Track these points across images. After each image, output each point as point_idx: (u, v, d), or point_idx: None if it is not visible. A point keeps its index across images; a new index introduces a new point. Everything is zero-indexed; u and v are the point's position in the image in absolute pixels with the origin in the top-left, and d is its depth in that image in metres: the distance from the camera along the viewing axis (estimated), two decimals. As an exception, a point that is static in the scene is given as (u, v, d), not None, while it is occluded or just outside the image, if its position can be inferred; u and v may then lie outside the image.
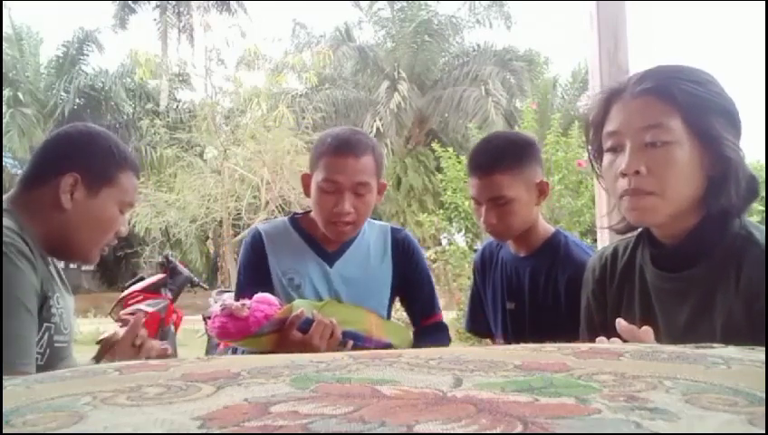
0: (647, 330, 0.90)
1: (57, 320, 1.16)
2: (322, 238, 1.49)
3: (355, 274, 1.48)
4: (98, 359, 1.26)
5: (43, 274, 1.13)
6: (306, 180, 1.47)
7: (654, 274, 1.05)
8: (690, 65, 1.02)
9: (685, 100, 0.95)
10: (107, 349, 1.26)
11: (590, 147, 1.11)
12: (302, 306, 1.27)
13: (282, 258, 1.48)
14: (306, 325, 1.25)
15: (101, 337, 1.31)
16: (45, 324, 1.13)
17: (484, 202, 1.41)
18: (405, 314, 1.67)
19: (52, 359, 1.14)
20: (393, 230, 1.58)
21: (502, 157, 1.40)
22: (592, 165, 1.13)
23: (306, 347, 1.21)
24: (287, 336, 1.23)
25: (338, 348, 1.26)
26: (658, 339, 0.94)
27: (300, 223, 1.54)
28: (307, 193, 1.47)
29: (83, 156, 1.20)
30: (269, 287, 1.40)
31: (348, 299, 1.45)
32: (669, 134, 0.95)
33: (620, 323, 0.93)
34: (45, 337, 1.13)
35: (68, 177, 1.16)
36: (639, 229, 1.10)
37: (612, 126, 1.01)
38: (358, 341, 1.31)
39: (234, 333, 1.21)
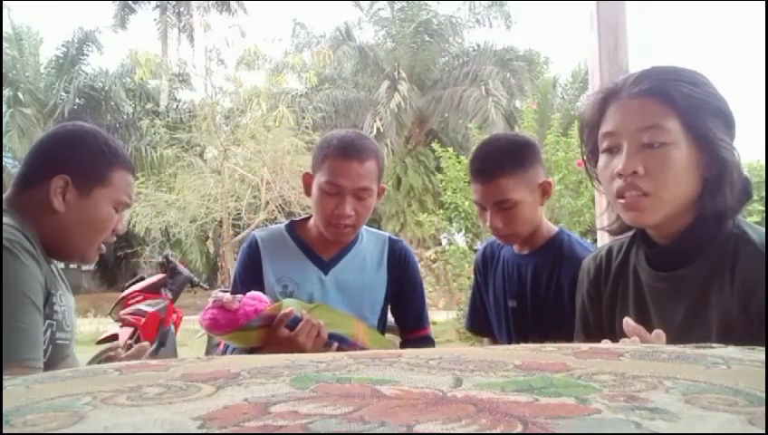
0: (659, 334, 0.88)
1: (60, 317, 1.16)
2: (319, 245, 1.50)
3: (350, 281, 1.49)
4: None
5: (45, 271, 1.14)
6: (308, 180, 1.48)
7: (648, 273, 1.06)
8: (685, 66, 1.02)
9: (682, 101, 0.95)
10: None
11: (584, 147, 1.11)
12: (291, 305, 1.29)
13: (277, 265, 1.49)
14: (294, 324, 1.26)
15: (102, 337, 1.32)
16: (48, 321, 1.13)
17: (488, 207, 1.41)
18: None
19: (54, 356, 1.14)
20: (391, 240, 1.58)
21: (504, 160, 1.40)
22: (586, 166, 1.13)
23: (292, 345, 1.22)
24: (275, 333, 1.25)
25: (323, 349, 1.27)
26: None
27: (297, 230, 1.54)
28: (308, 193, 1.48)
29: (73, 157, 1.19)
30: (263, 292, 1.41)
31: (342, 306, 1.45)
32: (667, 135, 0.95)
33: (628, 322, 0.92)
34: (48, 333, 1.13)
35: (58, 179, 1.16)
36: (634, 230, 1.10)
37: (609, 127, 1.01)
38: (344, 343, 1.32)
39: (223, 325, 1.23)
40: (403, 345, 1.57)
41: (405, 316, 1.58)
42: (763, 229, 1.01)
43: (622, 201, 0.99)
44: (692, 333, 0.94)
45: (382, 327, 1.55)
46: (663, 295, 1.03)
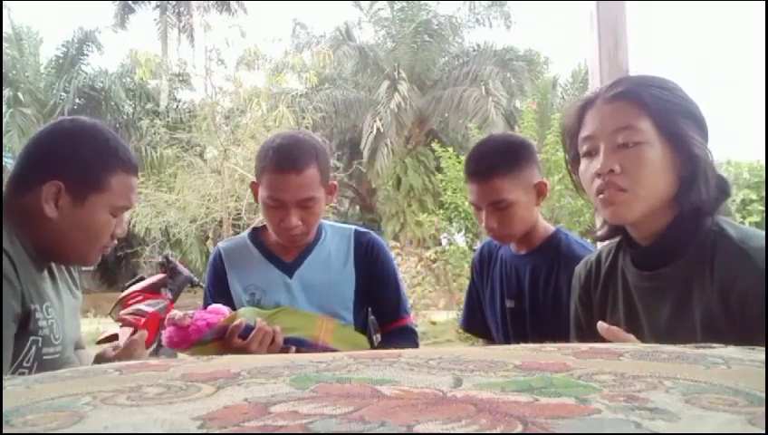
0: (629, 336, 0.95)
1: (46, 332, 1.10)
2: (280, 249, 1.50)
3: (316, 280, 1.48)
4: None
5: (26, 286, 1.07)
6: (255, 188, 1.47)
7: (634, 273, 1.09)
8: (657, 75, 1.08)
9: (653, 103, 1.01)
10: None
11: (566, 155, 1.16)
12: (245, 314, 1.31)
13: (242, 274, 1.49)
14: (247, 333, 1.27)
15: (101, 337, 1.31)
16: (32, 338, 1.07)
17: (483, 207, 1.42)
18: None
19: (42, 371, 1.10)
20: (357, 233, 1.56)
21: (498, 161, 1.41)
22: (569, 174, 1.17)
23: (247, 354, 1.23)
24: (228, 344, 1.26)
25: (281, 354, 1.28)
26: (642, 337, 0.99)
27: (259, 236, 1.54)
28: (257, 200, 1.47)
29: (67, 161, 1.11)
30: (231, 305, 1.42)
31: (310, 307, 1.45)
32: (640, 135, 1.00)
33: (602, 325, 0.98)
34: (32, 350, 1.07)
35: (50, 185, 1.09)
36: (620, 235, 1.14)
37: (587, 131, 1.06)
38: (302, 346, 1.33)
39: (178, 342, 1.26)
40: (383, 338, 1.56)
41: (380, 308, 1.57)
42: (745, 226, 1.05)
43: (601, 198, 1.03)
44: (678, 331, 0.98)
45: (362, 323, 1.54)
46: (649, 294, 1.07)
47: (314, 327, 1.40)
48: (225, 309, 1.33)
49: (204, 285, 1.59)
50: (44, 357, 1.10)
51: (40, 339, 1.09)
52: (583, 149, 1.07)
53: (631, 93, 1.03)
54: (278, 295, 1.46)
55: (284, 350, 1.30)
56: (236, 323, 1.28)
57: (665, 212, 1.04)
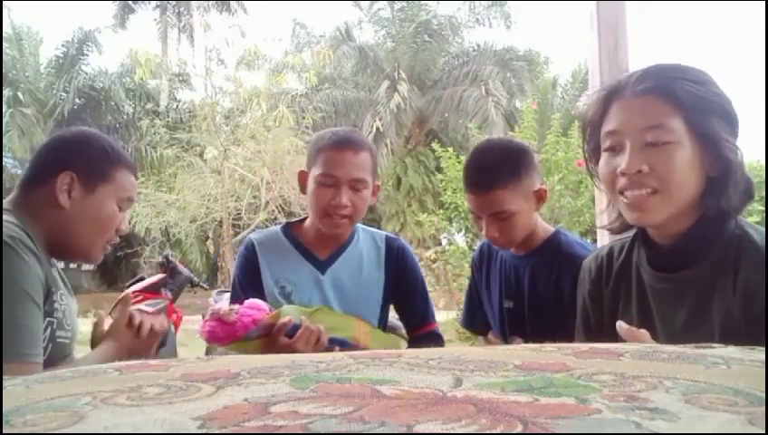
0: (645, 332, 0.91)
1: (60, 315, 1.17)
2: (315, 246, 1.50)
3: (347, 281, 1.49)
4: (93, 346, 1.27)
5: (46, 269, 1.15)
6: (303, 177, 1.49)
7: (650, 274, 1.05)
8: (689, 65, 1.01)
9: (687, 100, 0.95)
10: (102, 337, 1.27)
11: (585, 146, 1.10)
12: (290, 312, 1.30)
13: (274, 267, 1.49)
14: (293, 331, 1.27)
15: (96, 320, 1.33)
16: (48, 319, 1.13)
17: (484, 217, 1.41)
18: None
19: (55, 354, 1.14)
20: (388, 238, 1.58)
21: (498, 173, 1.37)
22: (587, 164, 1.12)
23: (292, 352, 1.22)
24: (275, 341, 1.26)
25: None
26: (656, 339, 0.94)
27: (293, 231, 1.55)
28: (303, 190, 1.49)
29: (78, 154, 1.22)
30: (262, 296, 1.42)
31: (339, 306, 1.46)
32: (671, 134, 0.94)
33: (621, 326, 0.93)
34: (48, 331, 1.14)
35: (64, 175, 1.18)
36: (635, 229, 1.10)
37: (612, 125, 1.00)
38: (345, 347, 1.31)
39: (222, 338, 1.24)
40: (411, 342, 1.56)
41: (409, 314, 1.58)
42: (764, 229, 1.00)
43: (625, 200, 0.98)
44: (694, 335, 0.93)
45: (383, 327, 1.55)
46: (665, 297, 1.02)
47: (353, 328, 1.40)
48: (264, 304, 1.31)
49: (206, 284, 1.59)
50: (58, 340, 1.16)
51: (55, 321, 1.16)
52: (606, 143, 1.01)
53: (663, 88, 0.95)
54: (309, 291, 1.46)
55: (329, 349, 1.29)
56: (284, 320, 1.27)
57: (688, 213, 0.99)
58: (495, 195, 1.37)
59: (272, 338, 1.26)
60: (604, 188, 1.06)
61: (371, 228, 1.63)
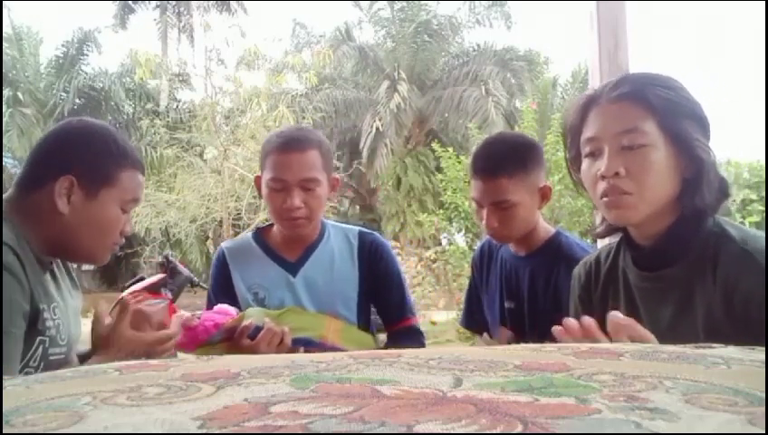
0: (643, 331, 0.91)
1: (53, 332, 1.11)
2: (284, 248, 1.51)
3: (319, 280, 1.49)
4: (93, 346, 1.17)
5: (34, 285, 1.07)
6: (258, 182, 1.49)
7: (635, 274, 1.09)
8: (661, 73, 1.07)
9: (659, 104, 1.00)
10: (105, 343, 1.15)
11: (567, 153, 1.15)
12: (254, 314, 1.32)
13: (245, 274, 1.50)
14: (256, 333, 1.28)
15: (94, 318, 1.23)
16: (39, 338, 1.07)
17: (486, 205, 1.41)
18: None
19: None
20: (361, 233, 1.57)
21: (507, 161, 1.40)
22: (569, 171, 1.16)
23: (255, 354, 1.23)
24: (237, 344, 1.27)
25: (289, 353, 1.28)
26: None
27: (262, 236, 1.55)
28: (261, 195, 1.49)
29: (79, 156, 1.13)
30: (235, 304, 1.43)
31: (313, 306, 1.45)
32: (645, 137, 0.99)
33: (616, 315, 0.93)
34: (39, 351, 1.08)
35: (63, 180, 1.10)
36: (620, 234, 1.13)
37: (590, 132, 1.05)
38: (311, 346, 1.33)
39: (186, 343, 1.26)
40: (389, 338, 1.56)
41: (385, 309, 1.57)
42: (745, 227, 1.05)
43: (605, 200, 1.02)
44: (680, 332, 0.97)
45: (365, 323, 1.54)
46: (650, 295, 1.06)
47: (322, 327, 1.40)
48: (231, 309, 1.33)
49: (207, 285, 1.60)
50: (50, 358, 1.10)
51: (47, 339, 1.09)
52: (586, 149, 1.06)
53: (636, 94, 1.01)
54: (282, 294, 1.46)
55: (293, 350, 1.30)
56: (246, 323, 1.28)
57: (667, 213, 1.03)
58: (500, 183, 1.38)
59: (234, 341, 1.27)
60: (587, 193, 1.10)
61: (344, 224, 1.63)
